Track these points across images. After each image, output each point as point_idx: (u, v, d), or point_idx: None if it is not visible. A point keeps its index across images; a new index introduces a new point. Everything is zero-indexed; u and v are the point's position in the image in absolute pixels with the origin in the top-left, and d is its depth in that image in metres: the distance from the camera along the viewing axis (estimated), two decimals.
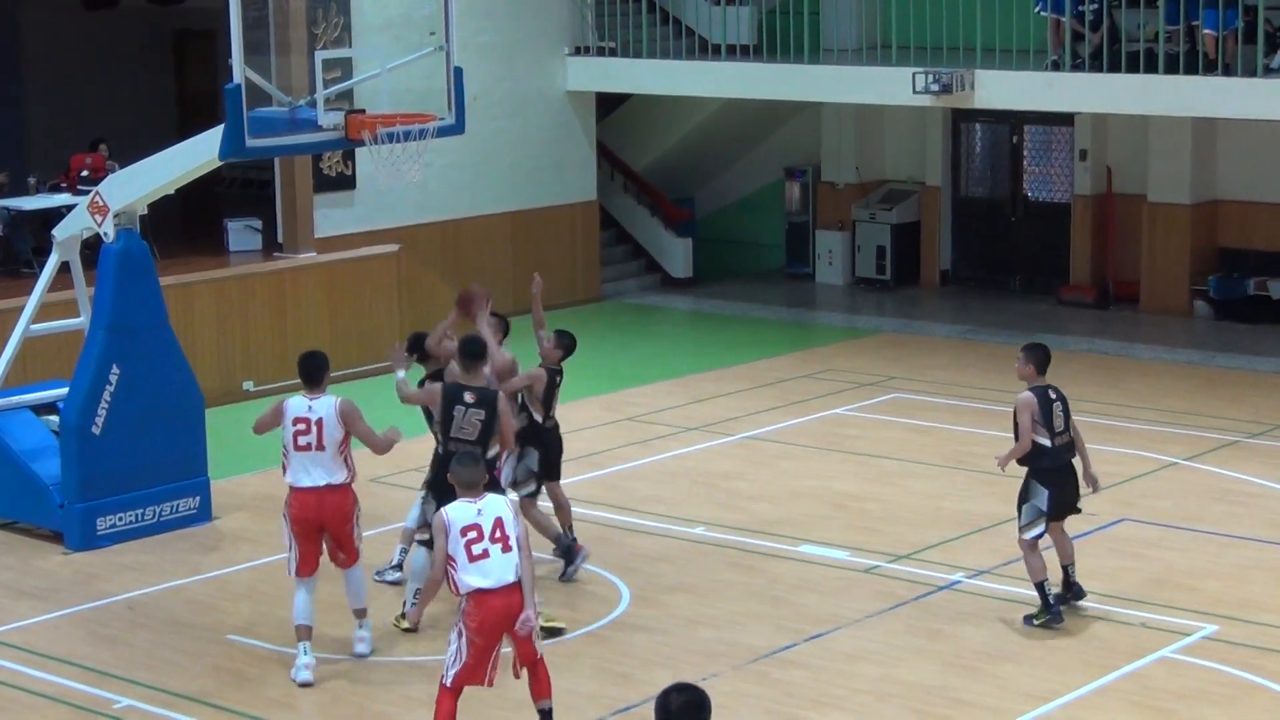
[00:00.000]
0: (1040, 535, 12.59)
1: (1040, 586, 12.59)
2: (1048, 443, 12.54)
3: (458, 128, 14.73)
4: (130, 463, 14.94)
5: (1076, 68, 20.84)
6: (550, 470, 13.74)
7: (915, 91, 21.14)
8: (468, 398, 12.20)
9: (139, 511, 15.03)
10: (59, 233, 15.50)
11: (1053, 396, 12.65)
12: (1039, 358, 12.73)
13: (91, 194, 15.07)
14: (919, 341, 22.24)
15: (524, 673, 10.54)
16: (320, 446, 11.87)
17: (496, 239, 23.43)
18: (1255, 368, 20.47)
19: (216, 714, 11.50)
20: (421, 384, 13.25)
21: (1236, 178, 23.23)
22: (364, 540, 12.31)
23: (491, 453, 12.18)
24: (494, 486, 11.41)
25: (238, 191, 24.54)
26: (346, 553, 12.16)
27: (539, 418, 13.54)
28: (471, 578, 10.18)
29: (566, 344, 13.75)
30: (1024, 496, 12.64)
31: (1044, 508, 12.54)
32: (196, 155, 14.37)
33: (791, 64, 22.99)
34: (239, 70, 13.43)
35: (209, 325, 19.32)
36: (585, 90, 24.42)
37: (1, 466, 15.25)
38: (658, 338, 23.28)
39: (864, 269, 25.64)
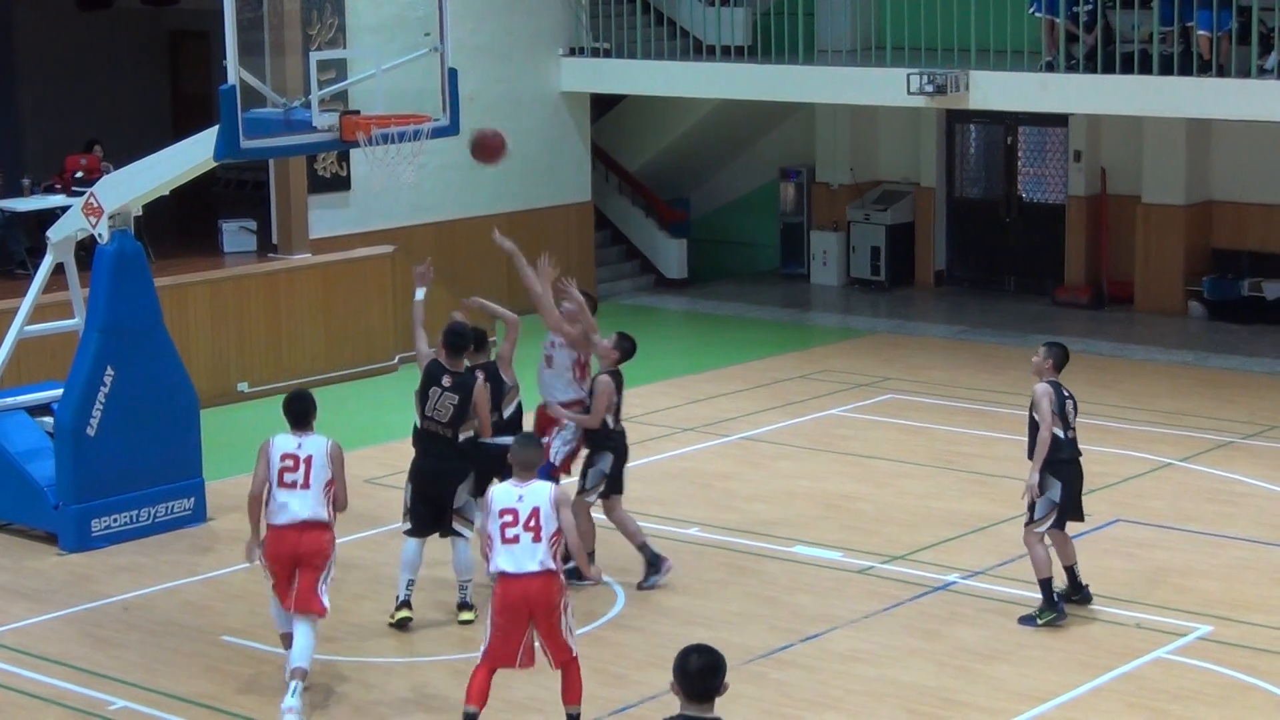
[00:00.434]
0: (1050, 529, 12.61)
1: (1046, 583, 12.60)
2: (1063, 434, 12.60)
3: (452, 129, 14.76)
4: (125, 464, 14.91)
5: (1071, 69, 20.83)
6: (615, 483, 13.41)
7: (910, 92, 21.14)
8: (445, 381, 12.50)
9: (134, 513, 15.01)
10: (54, 234, 15.47)
11: (1066, 394, 12.71)
12: (1059, 356, 12.78)
13: (86, 195, 15.02)
14: (914, 342, 22.23)
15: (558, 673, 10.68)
16: (306, 485, 11.30)
17: (491, 240, 23.31)
18: (1249, 368, 20.47)
19: (212, 715, 11.48)
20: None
21: (1231, 179, 23.23)
22: (361, 541, 12.27)
23: (464, 436, 12.50)
24: (492, 467, 11.70)
25: (232, 193, 24.54)
26: (307, 597, 11.21)
27: (610, 423, 13.27)
28: (500, 559, 10.42)
29: (626, 348, 13.39)
30: (1039, 490, 12.64)
31: (1057, 499, 12.57)
32: (191, 156, 14.34)
33: (786, 65, 22.98)
34: (234, 71, 13.42)
35: (204, 326, 19.28)
36: (580, 91, 24.42)
37: None
38: (652, 339, 23.13)
39: (859, 270, 25.63)
